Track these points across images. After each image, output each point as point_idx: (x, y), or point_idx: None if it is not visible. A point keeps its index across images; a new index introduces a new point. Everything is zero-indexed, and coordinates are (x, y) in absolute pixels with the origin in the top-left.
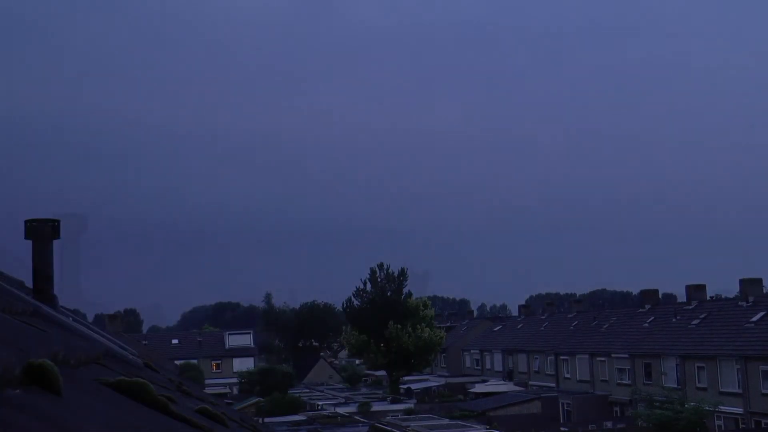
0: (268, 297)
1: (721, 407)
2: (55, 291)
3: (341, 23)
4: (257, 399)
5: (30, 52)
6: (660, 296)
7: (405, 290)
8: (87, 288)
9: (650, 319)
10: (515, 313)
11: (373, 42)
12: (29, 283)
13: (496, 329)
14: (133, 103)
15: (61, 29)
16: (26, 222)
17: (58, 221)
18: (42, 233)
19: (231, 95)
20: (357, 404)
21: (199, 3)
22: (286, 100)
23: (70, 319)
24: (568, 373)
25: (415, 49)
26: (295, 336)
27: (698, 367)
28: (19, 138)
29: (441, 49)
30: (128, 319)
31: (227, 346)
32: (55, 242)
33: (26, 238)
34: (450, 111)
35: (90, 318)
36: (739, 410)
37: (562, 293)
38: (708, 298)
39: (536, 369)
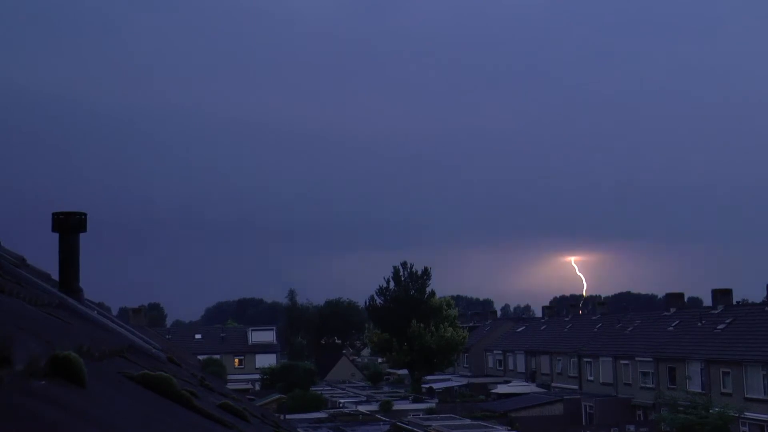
0: (291, 293)
1: (747, 413)
2: (81, 284)
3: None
4: (279, 395)
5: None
6: (685, 300)
7: (428, 289)
8: (113, 281)
9: (675, 323)
10: (539, 314)
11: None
12: (56, 276)
13: (519, 330)
14: (150, 91)
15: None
16: (53, 215)
17: (85, 214)
18: (69, 226)
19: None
20: (379, 402)
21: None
22: (313, 94)
23: (95, 312)
24: (591, 375)
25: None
26: (317, 333)
27: (723, 372)
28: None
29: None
30: (152, 314)
31: (250, 342)
32: (82, 235)
33: (53, 230)
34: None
35: (114, 311)
36: (765, 417)
37: (586, 295)
38: (734, 303)
39: (559, 371)
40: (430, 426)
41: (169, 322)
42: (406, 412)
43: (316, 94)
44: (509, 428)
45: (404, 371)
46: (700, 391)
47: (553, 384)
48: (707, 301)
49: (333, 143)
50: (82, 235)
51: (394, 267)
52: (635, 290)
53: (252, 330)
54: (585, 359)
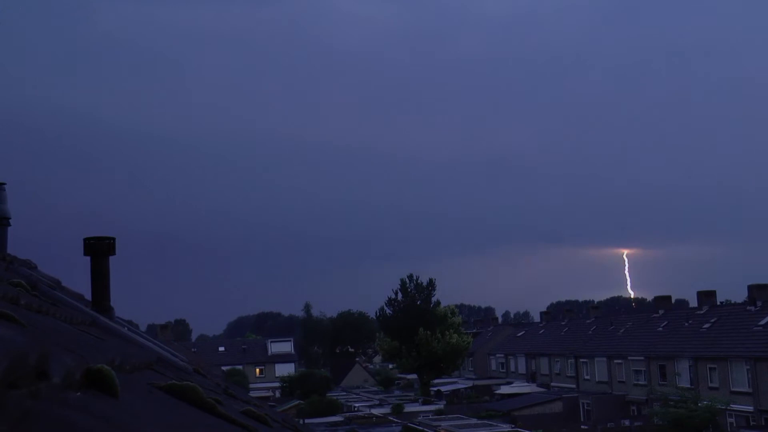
0: (307, 306)
1: (733, 405)
2: (112, 302)
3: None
4: (298, 401)
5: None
6: (673, 302)
7: (433, 299)
8: (142, 299)
9: (664, 324)
10: (537, 319)
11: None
12: (88, 296)
13: (519, 335)
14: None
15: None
16: (85, 240)
17: (114, 239)
18: (99, 250)
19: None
20: (390, 406)
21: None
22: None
23: (125, 328)
24: (587, 374)
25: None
26: (332, 343)
27: (710, 368)
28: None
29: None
30: (178, 329)
31: (269, 353)
32: (111, 258)
33: (85, 254)
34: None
35: (143, 327)
36: (750, 408)
37: (580, 300)
38: (718, 303)
39: (557, 371)
40: (440, 426)
41: (194, 336)
42: (416, 413)
43: (338, 111)
44: (513, 426)
45: (413, 376)
46: (689, 386)
47: (552, 384)
48: (693, 303)
49: (343, 159)
50: (111, 257)
51: (402, 279)
52: (626, 294)
53: (271, 342)
54: (581, 360)
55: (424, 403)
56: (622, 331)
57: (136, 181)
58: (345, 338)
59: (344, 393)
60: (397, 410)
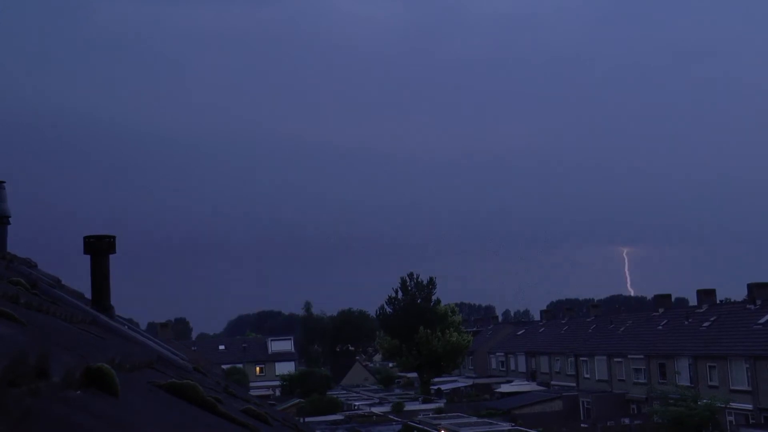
0: (307, 305)
1: (732, 404)
2: (112, 301)
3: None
4: (298, 400)
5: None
6: (672, 300)
7: (434, 297)
8: (143, 298)
9: (664, 322)
10: (537, 318)
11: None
12: (88, 295)
13: (519, 333)
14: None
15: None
16: (85, 238)
17: (114, 237)
18: (99, 248)
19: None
20: (391, 404)
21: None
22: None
23: (126, 327)
24: (587, 373)
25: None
26: (332, 341)
27: (710, 366)
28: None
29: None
30: (178, 327)
31: (270, 352)
32: (112, 256)
33: (85, 253)
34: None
35: (143, 326)
36: (749, 407)
37: (581, 299)
38: (718, 301)
39: (557, 370)
40: (440, 425)
41: (194, 334)
42: (416, 412)
43: (338, 111)
44: (512, 424)
45: (414, 374)
46: (688, 384)
47: (552, 382)
48: (693, 301)
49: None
50: (111, 256)
51: (402, 278)
52: (626, 293)
53: (271, 340)
54: (581, 358)
55: (425, 402)
56: (622, 329)
57: (136, 181)
58: (345, 337)
59: (344, 391)
60: (398, 409)
